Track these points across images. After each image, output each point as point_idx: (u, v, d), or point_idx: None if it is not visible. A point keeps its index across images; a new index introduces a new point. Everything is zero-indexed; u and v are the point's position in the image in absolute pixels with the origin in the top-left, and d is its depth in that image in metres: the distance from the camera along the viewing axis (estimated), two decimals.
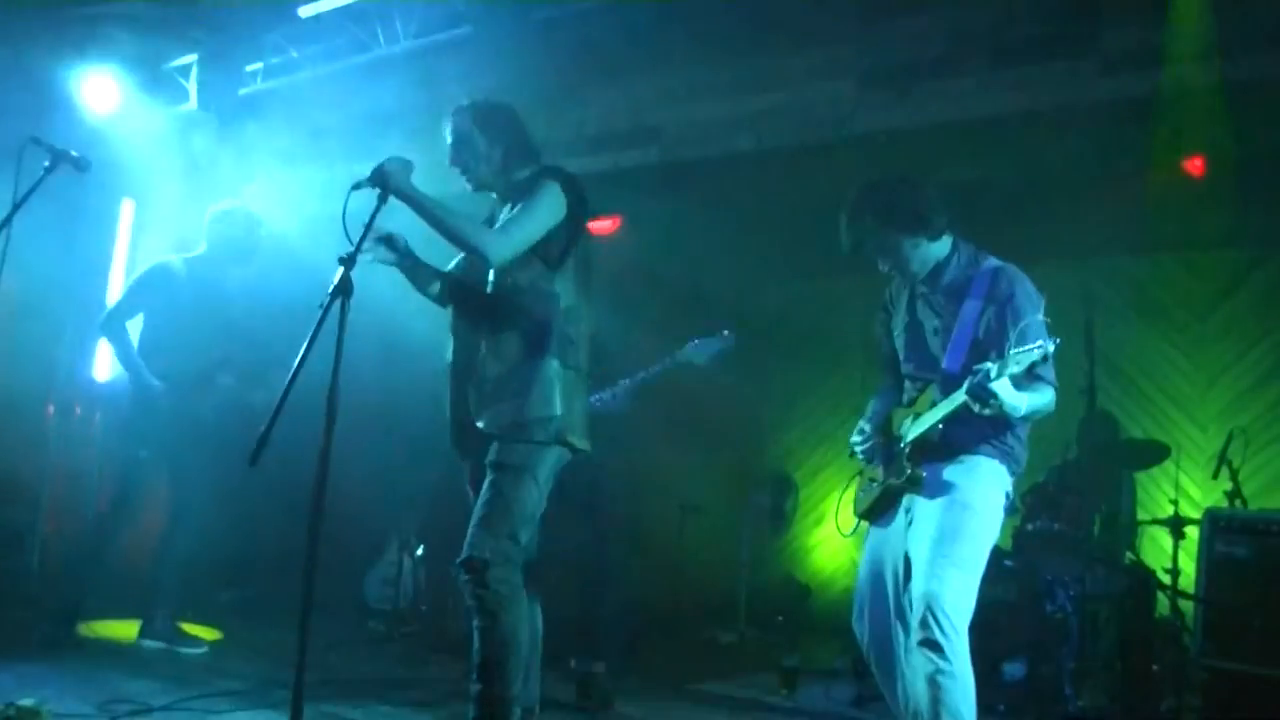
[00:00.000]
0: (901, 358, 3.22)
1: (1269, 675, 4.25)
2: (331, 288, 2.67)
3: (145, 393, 4.82)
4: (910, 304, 3.22)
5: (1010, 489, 3.04)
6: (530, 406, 3.08)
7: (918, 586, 2.81)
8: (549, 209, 3.11)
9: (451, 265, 3.34)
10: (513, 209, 3.15)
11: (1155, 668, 4.61)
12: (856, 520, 3.25)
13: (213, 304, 4.98)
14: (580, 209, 3.18)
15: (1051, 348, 2.67)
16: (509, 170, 3.26)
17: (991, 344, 2.91)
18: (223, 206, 5.20)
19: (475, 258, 3.07)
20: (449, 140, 3.27)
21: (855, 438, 3.25)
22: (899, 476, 3.03)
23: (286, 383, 2.57)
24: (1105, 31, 4.82)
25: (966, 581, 2.81)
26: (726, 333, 4.19)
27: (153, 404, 4.81)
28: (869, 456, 3.21)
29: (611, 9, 5.24)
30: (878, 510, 3.13)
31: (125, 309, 4.96)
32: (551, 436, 3.10)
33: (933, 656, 2.72)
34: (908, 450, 3.03)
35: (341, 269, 2.70)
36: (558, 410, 3.09)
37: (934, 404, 2.97)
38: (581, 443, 3.18)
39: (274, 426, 2.53)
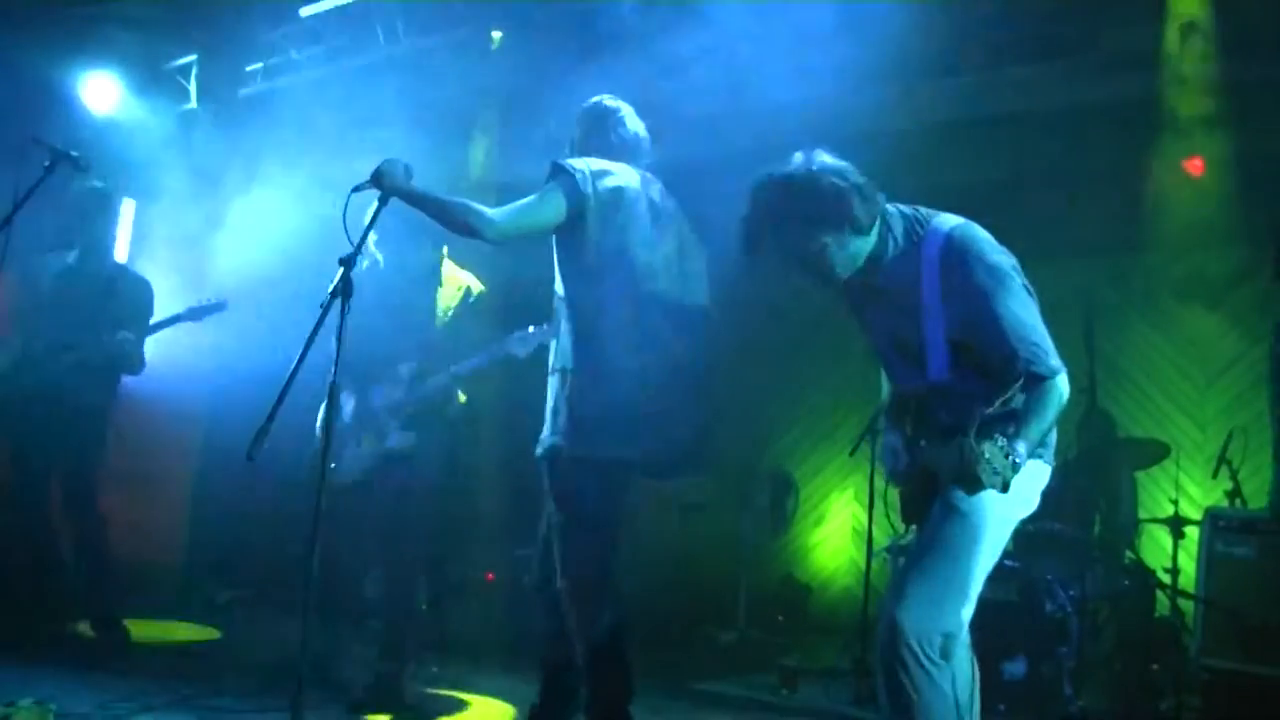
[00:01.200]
0: (884, 359, 2.82)
1: (1269, 675, 4.25)
2: (331, 288, 2.68)
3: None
4: (861, 305, 2.77)
5: (1045, 478, 2.72)
6: (561, 424, 3.11)
7: (887, 607, 2.55)
8: (548, 207, 3.09)
9: None
10: None
11: (1155, 668, 4.61)
12: (906, 527, 2.97)
13: (72, 290, 4.74)
14: (586, 212, 3.11)
15: (1011, 473, 2.23)
16: None
17: (974, 342, 2.50)
18: (85, 183, 4.71)
19: (473, 239, 3.04)
20: None
21: (889, 459, 2.84)
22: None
23: (285, 380, 2.57)
24: (1105, 31, 4.83)
25: (945, 599, 2.53)
26: (546, 325, 3.88)
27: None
28: (900, 477, 2.85)
29: (611, 9, 5.25)
30: (918, 514, 2.81)
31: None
32: (580, 452, 3.08)
33: (901, 676, 2.51)
34: (925, 485, 2.69)
35: (341, 270, 2.71)
36: (596, 411, 3.08)
37: (929, 417, 2.60)
38: (618, 451, 3.09)
39: (272, 421, 2.52)
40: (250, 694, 3.99)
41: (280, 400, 2.56)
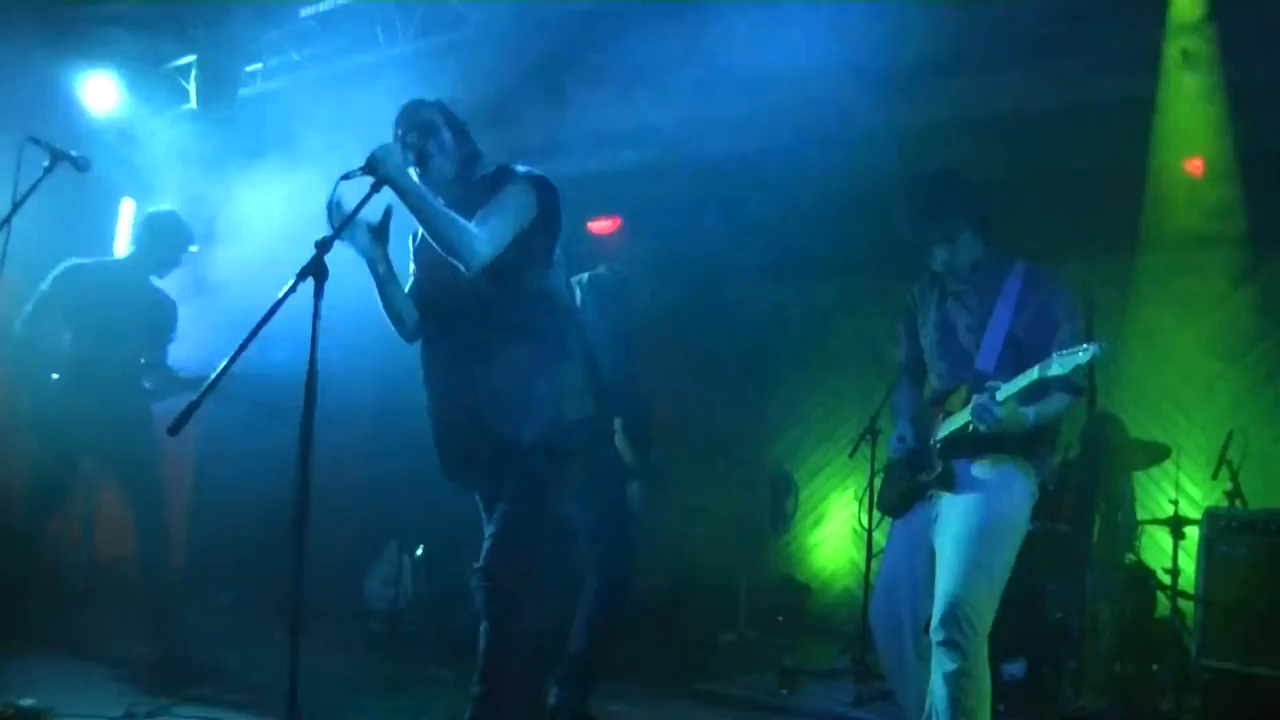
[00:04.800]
0: (935, 357, 3.20)
1: (1269, 675, 4.25)
2: (301, 269, 2.53)
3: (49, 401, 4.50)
4: (941, 304, 3.19)
5: (1034, 490, 3.02)
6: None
7: (943, 586, 2.83)
8: (522, 207, 2.98)
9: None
10: (481, 207, 2.96)
11: (1155, 668, 4.61)
12: (880, 515, 3.25)
13: (136, 308, 4.66)
14: (553, 204, 3.05)
15: (1084, 358, 2.67)
16: (467, 170, 3.13)
17: (1033, 343, 2.92)
18: (158, 210, 4.85)
19: (453, 259, 2.88)
20: (411, 127, 3.12)
21: (895, 444, 3.23)
22: (929, 473, 3.03)
23: (229, 358, 2.49)
24: (1105, 31, 4.83)
25: (991, 587, 2.84)
26: None
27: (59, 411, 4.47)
28: (906, 462, 3.18)
29: (610, 9, 5.24)
30: (903, 505, 3.14)
31: (41, 313, 4.54)
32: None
33: (953, 656, 2.76)
34: (939, 448, 3.03)
35: (315, 251, 2.57)
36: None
37: (965, 404, 2.93)
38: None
39: (203, 400, 2.44)
40: (249, 694, 3.99)
41: (215, 380, 2.45)
